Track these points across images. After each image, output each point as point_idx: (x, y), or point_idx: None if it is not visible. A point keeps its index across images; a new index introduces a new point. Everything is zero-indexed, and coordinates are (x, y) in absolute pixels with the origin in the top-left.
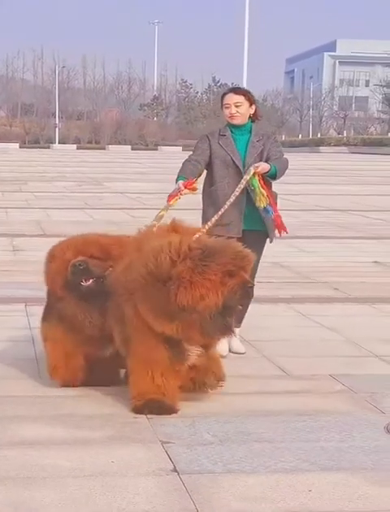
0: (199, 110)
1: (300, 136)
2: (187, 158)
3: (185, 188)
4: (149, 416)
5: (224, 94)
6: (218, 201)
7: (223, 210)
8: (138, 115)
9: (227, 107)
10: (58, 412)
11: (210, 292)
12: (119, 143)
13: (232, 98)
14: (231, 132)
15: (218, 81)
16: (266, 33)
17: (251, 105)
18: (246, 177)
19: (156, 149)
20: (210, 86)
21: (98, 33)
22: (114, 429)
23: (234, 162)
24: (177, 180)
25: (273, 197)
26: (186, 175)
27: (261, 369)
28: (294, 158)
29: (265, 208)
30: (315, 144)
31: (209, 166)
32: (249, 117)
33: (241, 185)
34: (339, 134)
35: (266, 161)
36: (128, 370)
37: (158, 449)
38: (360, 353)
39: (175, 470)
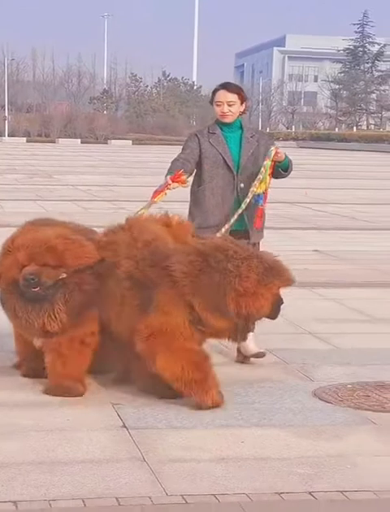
0: (149, 104)
1: None
2: (175, 157)
3: (173, 181)
4: (101, 383)
5: (216, 91)
6: (204, 203)
7: (237, 213)
8: (88, 109)
9: (218, 105)
10: (18, 381)
11: (267, 304)
12: (69, 136)
13: (226, 96)
14: (221, 129)
15: (169, 75)
16: (215, 27)
17: (243, 103)
18: (267, 162)
19: (106, 143)
20: (160, 80)
21: (48, 26)
22: None
23: (225, 161)
24: (165, 178)
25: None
26: (172, 171)
27: (207, 345)
28: None
29: (259, 195)
30: None
31: (198, 165)
32: (239, 113)
33: (260, 176)
34: (287, 129)
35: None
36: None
37: (109, 409)
38: (296, 331)
39: (124, 426)
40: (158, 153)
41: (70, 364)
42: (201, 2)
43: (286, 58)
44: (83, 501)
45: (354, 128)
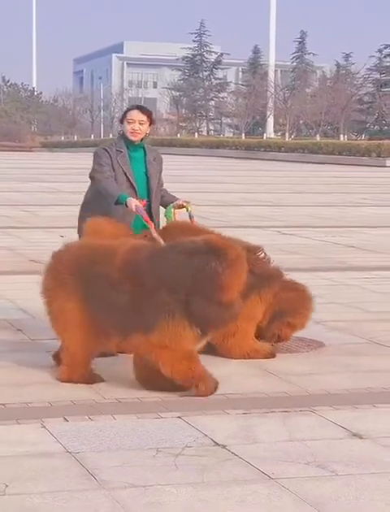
0: None
1: (92, 136)
2: (104, 175)
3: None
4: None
5: (129, 110)
6: (110, 214)
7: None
8: None
9: (130, 123)
10: None
11: None
12: None
13: (138, 116)
14: (127, 148)
15: (9, 81)
16: (53, 32)
17: (150, 125)
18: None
19: None
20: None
21: None
22: None
23: (129, 180)
24: (122, 198)
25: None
26: (124, 192)
27: None
28: (88, 160)
29: None
30: None
31: None
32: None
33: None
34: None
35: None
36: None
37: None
38: None
39: None
40: (2, 159)
41: None
42: (39, 6)
43: (125, 64)
44: (49, 403)
45: (195, 134)
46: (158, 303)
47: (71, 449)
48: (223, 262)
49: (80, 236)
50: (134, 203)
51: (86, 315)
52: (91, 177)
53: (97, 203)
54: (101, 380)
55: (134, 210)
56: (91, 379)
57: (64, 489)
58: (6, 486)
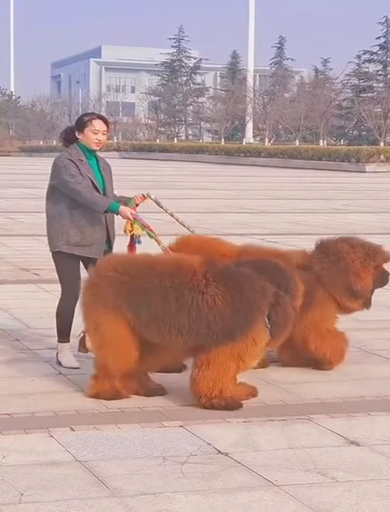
0: None
1: None
2: (82, 185)
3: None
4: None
5: (92, 119)
6: (81, 223)
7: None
8: None
9: (95, 133)
10: None
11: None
12: None
13: (102, 126)
14: (86, 157)
15: None
16: (31, 37)
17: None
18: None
19: None
20: None
21: None
22: None
23: (96, 187)
24: (114, 207)
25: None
26: (111, 200)
27: None
28: None
29: (140, 235)
30: None
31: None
32: None
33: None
34: (109, 139)
35: None
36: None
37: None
38: None
39: (60, 374)
40: None
41: None
42: (16, 10)
43: (103, 68)
44: (54, 413)
45: (174, 139)
46: (252, 306)
47: (80, 457)
48: None
49: (56, 252)
50: (129, 212)
51: (129, 330)
52: (54, 187)
53: (73, 214)
54: (127, 396)
55: (131, 218)
56: (117, 395)
57: (77, 497)
58: (22, 494)
